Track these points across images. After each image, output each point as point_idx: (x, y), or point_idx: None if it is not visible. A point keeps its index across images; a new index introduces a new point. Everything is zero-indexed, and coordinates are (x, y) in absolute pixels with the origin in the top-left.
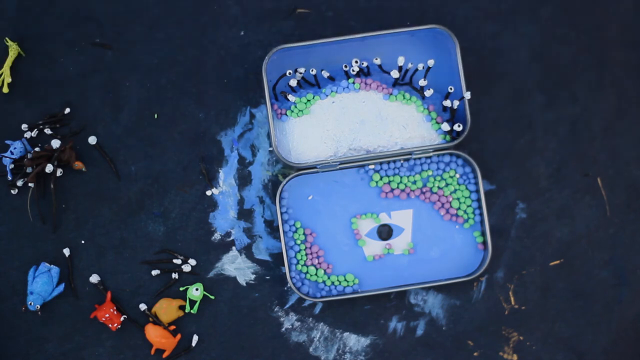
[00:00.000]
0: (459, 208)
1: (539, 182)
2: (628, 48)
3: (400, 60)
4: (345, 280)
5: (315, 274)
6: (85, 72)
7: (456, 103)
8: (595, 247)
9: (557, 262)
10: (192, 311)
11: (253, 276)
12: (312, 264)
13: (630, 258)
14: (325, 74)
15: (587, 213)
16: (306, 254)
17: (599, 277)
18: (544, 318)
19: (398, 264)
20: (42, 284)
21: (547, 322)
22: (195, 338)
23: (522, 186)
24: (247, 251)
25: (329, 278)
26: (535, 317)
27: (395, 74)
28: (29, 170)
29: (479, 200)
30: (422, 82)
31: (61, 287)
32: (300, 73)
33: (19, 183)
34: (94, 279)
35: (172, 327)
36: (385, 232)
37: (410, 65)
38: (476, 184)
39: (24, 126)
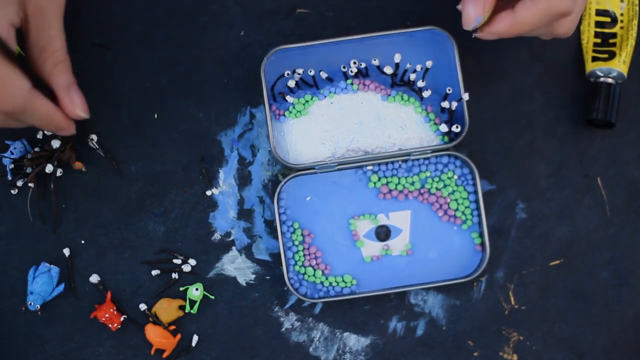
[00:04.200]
0: (457, 209)
1: (539, 182)
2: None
3: (397, 58)
4: (344, 281)
5: (313, 275)
6: (85, 72)
7: (454, 104)
8: (595, 247)
9: (557, 262)
10: (192, 311)
11: (253, 276)
12: (310, 265)
13: (630, 258)
14: (324, 75)
15: (587, 213)
16: (304, 255)
17: (599, 277)
18: (544, 318)
19: (396, 265)
20: (42, 284)
21: (547, 322)
22: (195, 338)
23: (522, 186)
24: (247, 251)
25: (327, 279)
26: (535, 317)
27: (388, 69)
28: (29, 170)
29: (477, 201)
30: (421, 84)
31: (61, 287)
32: (299, 74)
33: (19, 183)
34: (94, 279)
35: (172, 327)
36: (383, 233)
37: (408, 66)
38: (474, 185)
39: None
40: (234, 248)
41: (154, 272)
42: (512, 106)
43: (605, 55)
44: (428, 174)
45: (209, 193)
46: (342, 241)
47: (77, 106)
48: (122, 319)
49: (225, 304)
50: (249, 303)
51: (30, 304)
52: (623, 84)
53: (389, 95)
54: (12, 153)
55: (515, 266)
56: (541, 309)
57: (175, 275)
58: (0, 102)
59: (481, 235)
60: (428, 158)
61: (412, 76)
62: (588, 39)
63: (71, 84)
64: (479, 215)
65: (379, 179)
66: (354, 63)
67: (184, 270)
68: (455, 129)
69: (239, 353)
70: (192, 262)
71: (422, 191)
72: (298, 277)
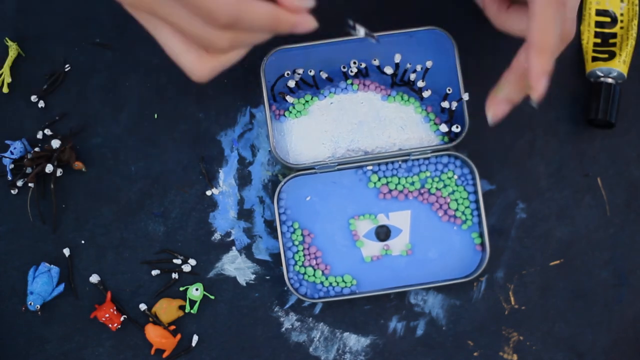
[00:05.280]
0: (457, 209)
1: (539, 182)
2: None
3: (397, 58)
4: (343, 281)
5: (313, 275)
6: (85, 72)
7: (454, 104)
8: (595, 247)
9: (557, 262)
10: (192, 311)
11: (253, 276)
12: (310, 265)
13: (630, 258)
14: (324, 75)
15: (587, 213)
16: (304, 255)
17: (599, 277)
18: (544, 318)
19: (396, 265)
20: (42, 284)
21: (547, 322)
22: (195, 338)
23: (522, 186)
24: (247, 251)
25: (327, 279)
26: (535, 317)
27: (388, 69)
28: (29, 170)
29: (477, 201)
30: (421, 84)
31: (61, 287)
32: (299, 74)
33: (19, 183)
34: (94, 279)
35: (172, 327)
36: (383, 233)
37: (408, 66)
38: (474, 185)
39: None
40: (234, 248)
41: (154, 272)
42: None
43: (605, 55)
44: (428, 174)
45: (209, 193)
46: (342, 241)
47: None
48: (122, 319)
49: (225, 304)
50: (249, 303)
51: (30, 304)
52: (623, 84)
53: (389, 95)
54: (12, 153)
55: (515, 266)
56: (541, 309)
57: (175, 275)
58: (212, 19)
59: (481, 235)
60: (428, 158)
61: (412, 76)
62: (588, 39)
63: None
64: (479, 215)
65: (379, 179)
66: (354, 63)
67: (184, 270)
68: (455, 129)
69: (239, 353)
70: (192, 262)
71: (422, 191)
72: (298, 277)
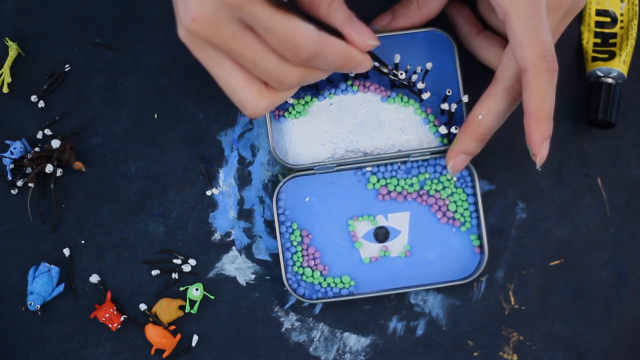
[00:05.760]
0: (455, 211)
1: (539, 182)
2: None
3: (397, 58)
4: (342, 282)
5: (312, 276)
6: (85, 72)
7: (454, 106)
8: (595, 247)
9: (557, 262)
10: (192, 311)
11: (253, 276)
12: (309, 266)
13: (630, 258)
14: None
15: (587, 213)
16: (302, 256)
17: (599, 277)
18: (544, 318)
19: (394, 266)
20: (42, 284)
21: (547, 322)
22: (195, 338)
23: (522, 186)
24: (247, 251)
25: (325, 280)
26: (535, 317)
27: (386, 69)
28: (29, 170)
29: (476, 203)
30: (420, 85)
31: (61, 287)
32: None
33: (19, 183)
34: (94, 279)
35: (172, 327)
36: (381, 235)
37: (409, 67)
38: (473, 187)
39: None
40: (234, 248)
41: (154, 272)
42: None
43: (605, 55)
44: (427, 175)
45: (209, 193)
46: (341, 242)
47: (364, 35)
48: (122, 319)
49: (225, 304)
50: (249, 303)
51: (30, 304)
52: (623, 84)
53: (389, 96)
54: (12, 153)
55: (515, 266)
56: (541, 309)
57: (175, 275)
58: (295, 53)
59: (480, 238)
60: (427, 160)
61: (413, 77)
62: (588, 39)
63: (350, 17)
64: (478, 218)
65: (378, 180)
66: None
67: (184, 270)
68: (455, 130)
69: (239, 353)
70: (192, 262)
71: (421, 193)
72: (296, 277)
